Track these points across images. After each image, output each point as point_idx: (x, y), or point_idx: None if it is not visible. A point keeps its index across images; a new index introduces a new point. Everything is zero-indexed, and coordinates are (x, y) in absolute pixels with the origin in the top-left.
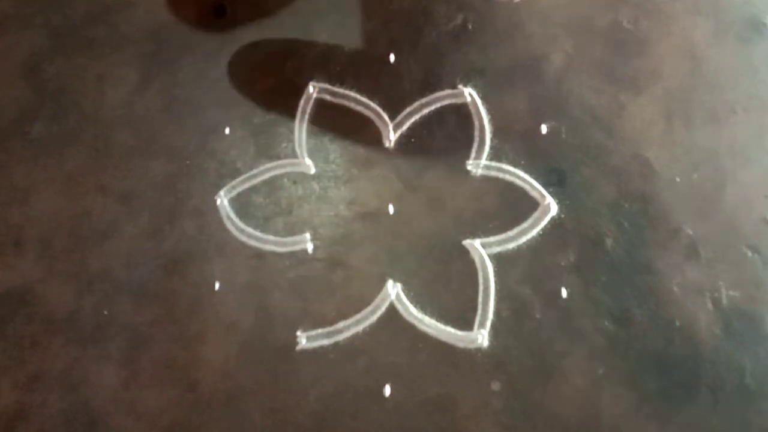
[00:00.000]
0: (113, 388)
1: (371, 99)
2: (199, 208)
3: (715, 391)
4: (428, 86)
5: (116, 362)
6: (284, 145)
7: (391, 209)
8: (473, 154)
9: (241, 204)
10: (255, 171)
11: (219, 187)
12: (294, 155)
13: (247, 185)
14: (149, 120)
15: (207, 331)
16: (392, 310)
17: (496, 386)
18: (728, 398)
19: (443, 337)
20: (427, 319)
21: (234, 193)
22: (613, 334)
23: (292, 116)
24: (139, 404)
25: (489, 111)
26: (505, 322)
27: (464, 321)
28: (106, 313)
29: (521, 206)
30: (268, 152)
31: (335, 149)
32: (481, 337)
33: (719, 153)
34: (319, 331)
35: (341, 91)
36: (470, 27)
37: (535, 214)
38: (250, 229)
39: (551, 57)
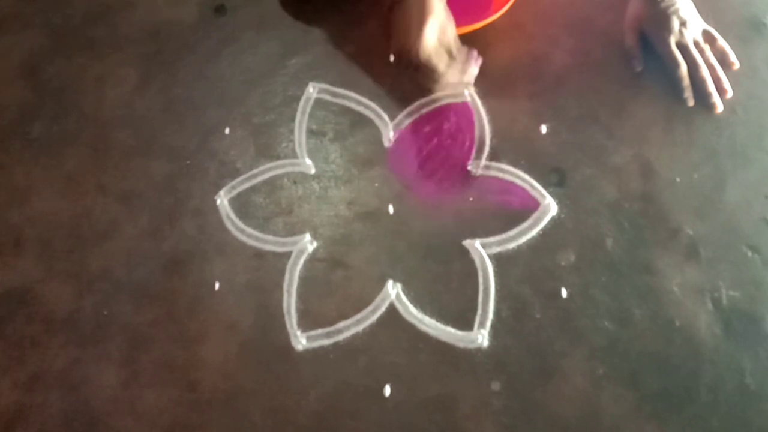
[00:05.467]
0: (113, 388)
1: (371, 99)
2: (199, 208)
3: (715, 391)
4: None
5: (116, 362)
6: (284, 145)
7: (391, 209)
8: (473, 154)
9: (241, 204)
10: (255, 171)
11: (219, 187)
12: (294, 155)
13: (247, 185)
14: (149, 120)
15: (207, 331)
16: (392, 310)
17: (496, 386)
18: (728, 398)
19: (443, 337)
20: (427, 319)
21: (234, 193)
22: (613, 334)
23: (292, 116)
24: (139, 404)
25: (489, 111)
26: (505, 322)
27: (464, 321)
28: (106, 313)
29: None
30: (268, 152)
31: (335, 149)
32: (481, 337)
33: (719, 153)
34: (319, 331)
35: (341, 91)
36: None
37: (535, 214)
38: (250, 229)
39: (551, 57)
